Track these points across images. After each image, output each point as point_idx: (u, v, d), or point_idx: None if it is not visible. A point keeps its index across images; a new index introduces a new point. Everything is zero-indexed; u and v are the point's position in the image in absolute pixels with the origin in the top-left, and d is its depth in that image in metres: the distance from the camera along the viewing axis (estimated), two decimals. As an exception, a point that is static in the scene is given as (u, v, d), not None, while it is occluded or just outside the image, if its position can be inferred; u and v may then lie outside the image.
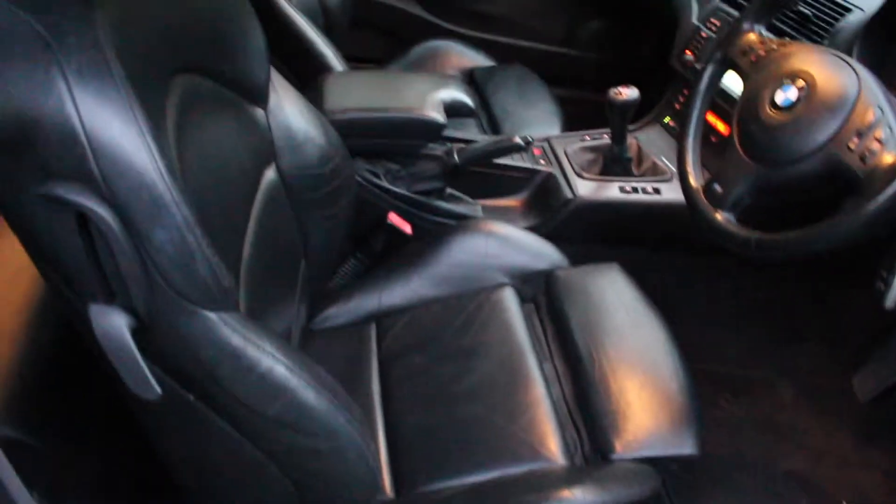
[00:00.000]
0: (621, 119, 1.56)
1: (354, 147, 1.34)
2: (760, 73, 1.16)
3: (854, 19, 1.41)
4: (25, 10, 0.64)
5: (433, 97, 1.46)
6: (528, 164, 1.63)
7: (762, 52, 1.19)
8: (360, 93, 1.46)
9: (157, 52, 0.77)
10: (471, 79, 2.10)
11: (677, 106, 1.76)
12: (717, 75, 1.29)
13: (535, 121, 1.91)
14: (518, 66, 2.13)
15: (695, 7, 1.78)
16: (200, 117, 0.85)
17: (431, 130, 1.43)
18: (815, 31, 1.45)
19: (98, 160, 0.64)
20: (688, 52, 1.70)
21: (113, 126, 0.65)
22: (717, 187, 1.17)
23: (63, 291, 0.72)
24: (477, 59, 2.17)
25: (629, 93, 1.52)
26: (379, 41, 2.38)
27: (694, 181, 1.22)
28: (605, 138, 1.72)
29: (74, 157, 0.64)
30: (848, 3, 1.42)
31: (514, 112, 1.93)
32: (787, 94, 1.08)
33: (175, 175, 0.68)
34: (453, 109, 1.49)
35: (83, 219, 0.66)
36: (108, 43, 0.67)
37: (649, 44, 2.36)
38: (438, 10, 2.38)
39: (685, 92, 1.75)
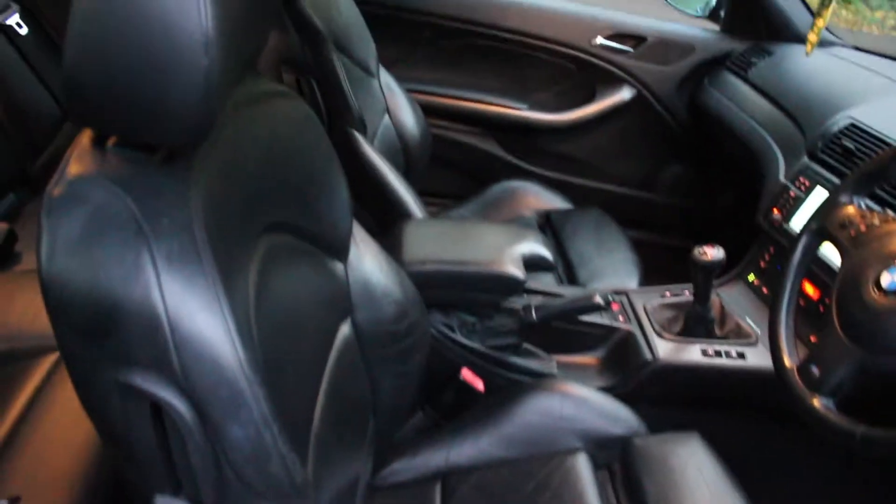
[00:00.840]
0: (705, 279, 1.50)
1: (431, 298, 1.32)
2: (862, 250, 1.09)
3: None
4: (127, 190, 0.64)
5: (512, 251, 1.43)
6: (606, 321, 1.57)
7: (863, 228, 1.13)
8: (438, 244, 1.44)
9: (247, 217, 0.77)
10: (547, 221, 2.08)
11: (763, 264, 1.70)
12: (813, 247, 1.23)
13: (613, 270, 1.86)
14: (595, 211, 2.10)
15: (782, 163, 1.74)
16: (280, 273, 0.85)
17: (510, 286, 1.40)
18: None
19: (180, 352, 0.63)
20: (775, 210, 1.65)
21: (198, 317, 0.64)
22: (815, 369, 1.09)
23: (130, 475, 0.70)
24: (554, 201, 2.15)
25: (714, 253, 1.47)
26: (456, 179, 2.40)
27: (788, 360, 1.15)
28: (687, 294, 1.66)
29: (156, 348, 0.63)
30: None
31: (591, 259, 1.89)
32: (893, 278, 1.02)
33: (257, 369, 0.66)
34: (532, 263, 1.45)
35: (158, 409, 0.64)
36: (200, 223, 0.66)
37: (731, 194, 2.33)
38: (516, 150, 2.39)
39: (771, 250, 1.68)
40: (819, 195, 1.57)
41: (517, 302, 1.47)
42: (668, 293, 1.69)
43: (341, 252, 1.05)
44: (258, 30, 0.78)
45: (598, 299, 1.41)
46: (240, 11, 0.67)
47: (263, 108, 0.90)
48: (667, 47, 2.25)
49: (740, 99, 2.07)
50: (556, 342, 1.55)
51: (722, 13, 2.27)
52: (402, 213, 1.58)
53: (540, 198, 2.16)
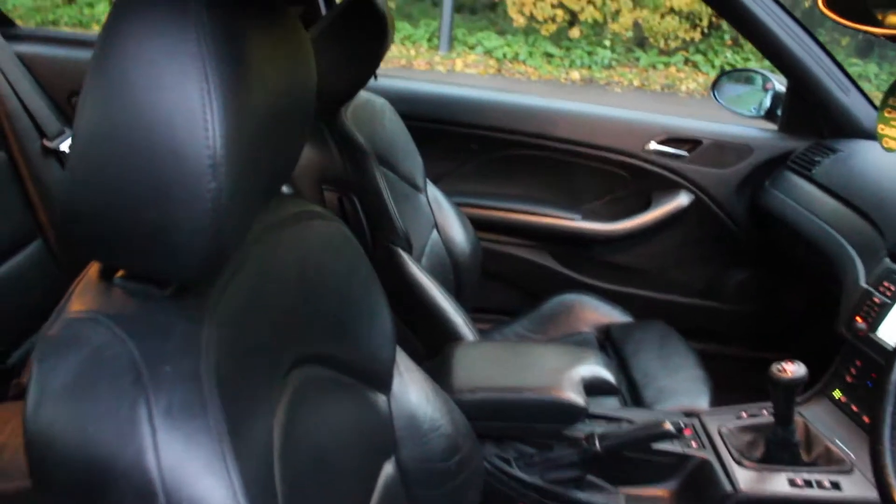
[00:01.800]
0: (787, 399, 1.36)
1: (484, 429, 1.22)
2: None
3: None
4: (130, 330, 0.56)
5: (572, 374, 1.31)
6: (677, 448, 1.42)
7: None
8: (491, 369, 1.33)
9: (273, 352, 0.70)
10: (607, 336, 1.96)
11: (850, 379, 1.54)
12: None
13: (681, 389, 1.72)
14: (658, 323, 1.98)
15: (860, 267, 1.61)
16: (313, 411, 0.78)
17: (571, 414, 1.28)
18: None
19: None
20: (858, 318, 1.51)
21: (198, 483, 0.54)
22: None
23: None
24: (613, 315, 2.03)
25: (795, 370, 1.33)
26: (510, 294, 2.31)
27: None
28: (765, 414, 1.51)
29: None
30: None
31: (657, 377, 1.76)
32: None
33: None
34: (594, 387, 1.34)
35: None
36: (210, 367, 0.58)
37: (801, 299, 2.20)
38: (571, 262, 2.30)
39: (858, 363, 1.53)
40: (910, 301, 1.43)
41: (579, 430, 1.34)
42: (744, 414, 1.54)
43: (383, 383, 0.96)
44: (284, 150, 0.71)
45: (669, 426, 1.28)
46: (259, 130, 0.60)
47: (295, 230, 0.83)
48: (723, 150, 2.17)
49: (806, 200, 1.95)
50: (622, 473, 1.41)
51: (779, 112, 2.19)
52: (451, 336, 1.48)
53: (598, 311, 2.05)
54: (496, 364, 1.36)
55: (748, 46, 8.35)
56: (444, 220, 1.89)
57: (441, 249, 1.85)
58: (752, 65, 8.13)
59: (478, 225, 2.04)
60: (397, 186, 1.71)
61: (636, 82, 8.27)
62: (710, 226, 2.22)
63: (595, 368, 1.36)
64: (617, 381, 1.41)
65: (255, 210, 0.67)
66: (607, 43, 8.62)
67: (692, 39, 8.52)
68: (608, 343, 1.94)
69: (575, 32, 8.63)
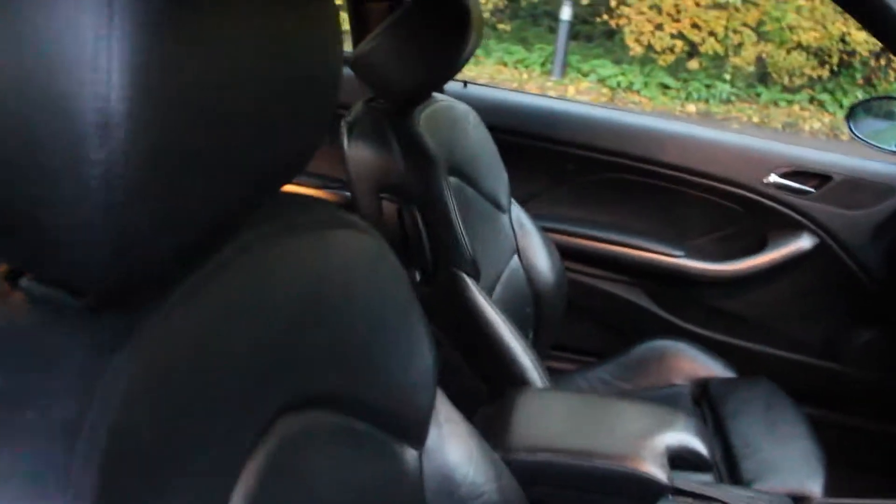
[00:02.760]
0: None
1: (541, 498, 1.00)
2: None
3: None
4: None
5: (655, 442, 1.08)
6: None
7: None
8: (557, 425, 1.11)
9: (251, 391, 0.53)
10: (703, 392, 1.70)
11: None
12: None
13: (789, 466, 1.46)
14: (765, 382, 1.71)
15: None
16: (308, 468, 0.59)
17: (648, 491, 1.04)
18: None
19: None
20: None
21: None
22: None
23: None
24: (713, 367, 1.78)
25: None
26: (597, 333, 2.09)
27: None
28: (896, 508, 1.24)
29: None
30: None
31: (760, 447, 1.50)
32: None
33: None
34: (682, 460, 1.10)
35: None
36: (102, 425, 0.39)
37: None
38: (669, 304, 2.06)
39: None
40: None
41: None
42: None
43: (415, 435, 0.77)
44: (275, 139, 0.52)
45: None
46: (220, 104, 0.42)
47: (309, 240, 0.64)
48: (858, 188, 1.90)
49: None
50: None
51: None
52: (516, 379, 1.28)
53: (696, 362, 1.79)
54: (564, 420, 1.13)
55: (882, 86, 7.94)
56: (527, 245, 1.69)
57: (521, 278, 1.65)
58: (885, 107, 7.70)
59: (566, 254, 1.84)
60: (475, 204, 1.52)
61: (755, 119, 7.95)
62: (835, 275, 1.96)
63: (685, 437, 1.13)
64: (711, 451, 1.17)
65: (218, 213, 0.48)
66: (727, 76, 8.31)
67: (819, 77, 8.12)
68: (704, 400, 1.69)
69: (694, 64, 8.37)
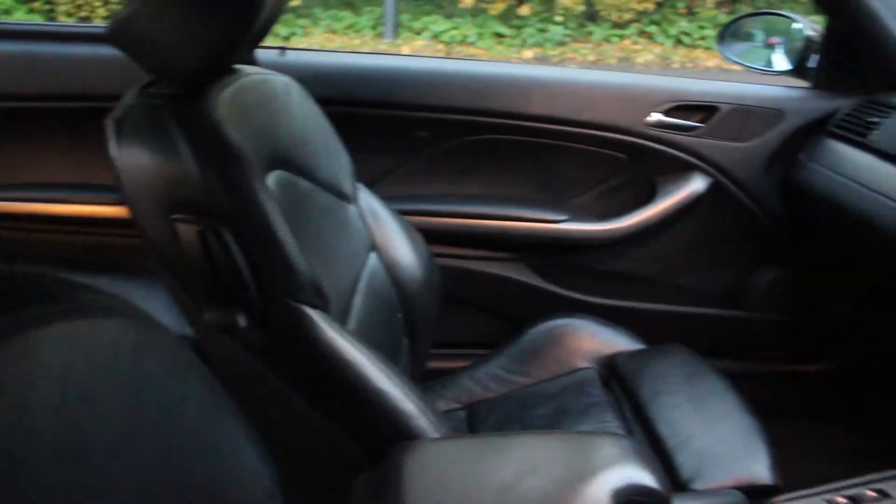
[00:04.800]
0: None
1: None
2: None
3: None
4: None
5: (599, 492, 0.81)
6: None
7: None
8: (462, 495, 0.82)
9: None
10: (612, 371, 1.50)
11: None
12: None
13: (729, 451, 1.27)
14: (678, 350, 1.53)
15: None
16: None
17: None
18: None
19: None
20: None
21: None
22: None
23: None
24: (616, 340, 1.57)
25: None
26: (482, 322, 1.87)
27: None
28: (869, 496, 1.03)
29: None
30: None
31: (692, 435, 1.30)
32: None
33: None
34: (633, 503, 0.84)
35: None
36: None
37: (850, 299, 1.82)
38: (558, 276, 1.86)
39: None
40: None
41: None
42: (839, 498, 1.05)
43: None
44: None
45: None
46: None
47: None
48: (746, 118, 1.73)
49: (864, 175, 1.52)
50: None
51: (811, 64, 1.76)
52: (400, 432, 0.98)
53: (597, 337, 1.58)
54: (472, 484, 0.84)
55: (703, 14, 8.28)
56: (384, 237, 1.40)
57: (383, 279, 1.36)
58: (709, 33, 8.00)
59: (432, 238, 1.57)
60: (313, 199, 1.21)
61: (591, 57, 8.14)
62: (732, 216, 1.80)
63: (629, 471, 0.87)
64: (660, 479, 0.91)
65: None
66: (559, 19, 8.45)
67: (645, 11, 8.38)
68: (615, 381, 1.48)
69: (524, 10, 8.49)
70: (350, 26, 8.48)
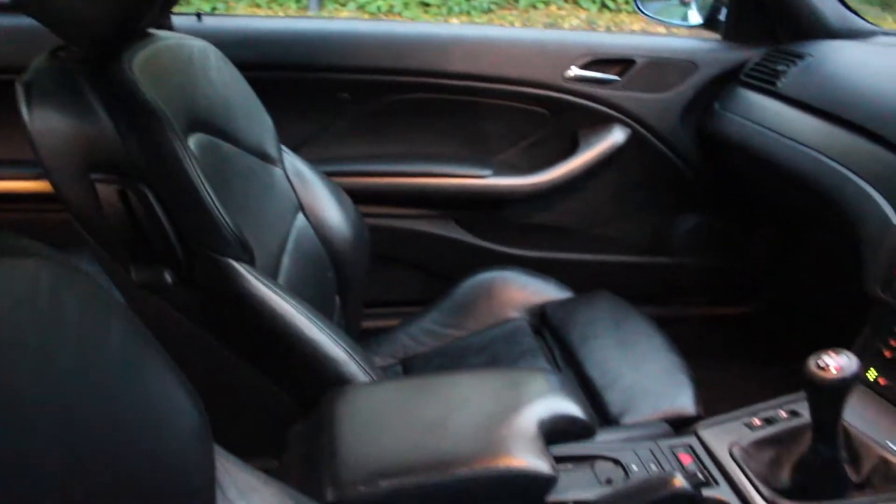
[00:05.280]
0: (833, 407, 0.93)
1: None
2: None
3: None
4: None
5: (524, 423, 0.84)
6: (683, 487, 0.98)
7: None
8: (395, 433, 0.84)
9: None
10: (543, 320, 1.53)
11: (888, 353, 1.14)
12: None
13: (656, 387, 1.30)
14: (605, 296, 1.55)
15: (882, 203, 1.20)
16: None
17: (534, 491, 0.81)
18: None
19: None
20: (900, 273, 1.10)
21: None
22: None
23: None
24: (545, 290, 1.59)
25: (844, 364, 0.90)
26: (413, 279, 1.86)
27: None
28: (784, 415, 1.09)
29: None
30: None
31: (621, 373, 1.33)
32: None
33: None
34: (560, 433, 0.88)
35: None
36: None
37: (768, 243, 1.86)
38: (486, 231, 1.86)
39: (897, 331, 1.13)
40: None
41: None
42: (755, 420, 1.11)
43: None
44: None
45: (683, 483, 0.83)
46: None
47: None
48: (661, 69, 1.76)
49: (773, 120, 1.57)
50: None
51: (721, 17, 1.80)
52: (330, 378, 0.98)
53: (527, 288, 1.60)
54: (402, 424, 0.86)
55: None
56: (311, 198, 1.39)
57: (311, 239, 1.35)
58: (631, -7, 8.09)
59: (360, 198, 1.55)
60: (237, 161, 1.20)
61: (517, 24, 7.99)
62: (652, 165, 1.83)
63: (555, 403, 0.90)
64: (586, 410, 0.95)
65: None
66: None
67: None
68: (546, 329, 1.51)
69: None
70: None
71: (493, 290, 1.58)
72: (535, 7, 8.31)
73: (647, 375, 1.33)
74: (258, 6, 8.18)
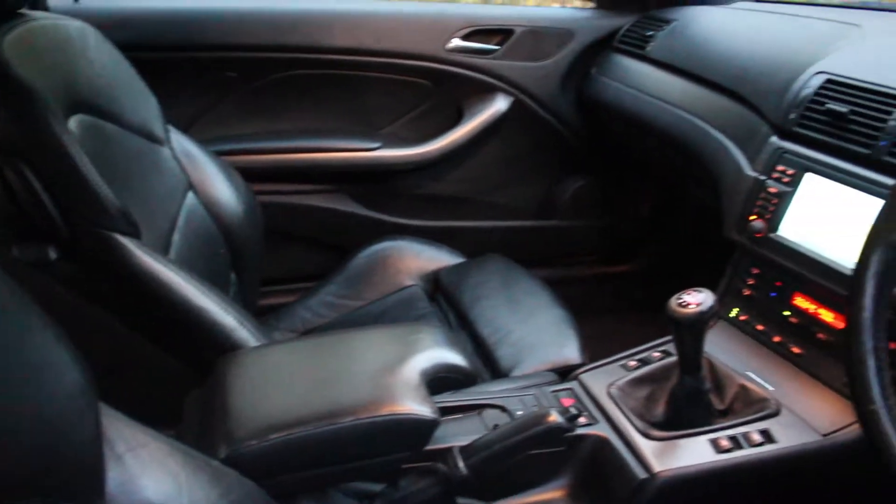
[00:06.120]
0: (695, 341, 1.01)
1: (295, 488, 0.79)
2: None
3: None
4: None
5: (406, 373, 0.89)
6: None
7: None
8: (284, 390, 0.87)
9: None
10: (437, 285, 1.57)
11: (747, 292, 1.23)
12: (889, 273, 0.76)
13: (543, 340, 1.36)
14: (495, 258, 1.60)
15: (737, 153, 1.29)
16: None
17: (416, 434, 0.86)
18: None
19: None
20: (754, 217, 1.19)
21: None
22: None
23: None
24: (439, 257, 1.64)
25: (702, 300, 0.98)
26: (309, 254, 1.87)
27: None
28: (657, 356, 1.18)
29: None
30: None
31: (511, 329, 1.39)
32: None
33: None
34: (444, 381, 0.93)
35: None
36: None
37: (651, 202, 1.93)
38: (378, 203, 1.89)
39: (755, 272, 1.22)
40: (816, 185, 1.13)
41: (431, 447, 0.93)
42: (631, 362, 1.19)
43: (83, 489, 0.54)
44: None
45: (557, 417, 0.90)
46: None
47: None
48: (539, 38, 1.82)
49: (644, 83, 1.66)
50: (498, 482, 1.02)
51: None
52: (221, 345, 1.01)
53: (420, 256, 1.64)
54: (291, 381, 0.89)
55: None
56: (200, 177, 1.40)
57: (203, 217, 1.36)
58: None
59: (251, 176, 1.56)
60: (122, 142, 1.20)
61: None
62: (535, 131, 1.89)
63: (436, 353, 0.95)
64: (469, 358, 1.00)
65: None
66: None
67: None
68: (440, 293, 1.56)
69: None
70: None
71: (387, 260, 1.61)
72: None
73: (535, 330, 1.38)
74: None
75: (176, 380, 1.06)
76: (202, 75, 1.72)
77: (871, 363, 0.75)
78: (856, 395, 0.75)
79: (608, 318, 1.69)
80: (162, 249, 1.18)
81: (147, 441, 0.60)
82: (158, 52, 1.65)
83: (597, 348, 1.35)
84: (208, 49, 1.69)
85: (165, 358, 1.06)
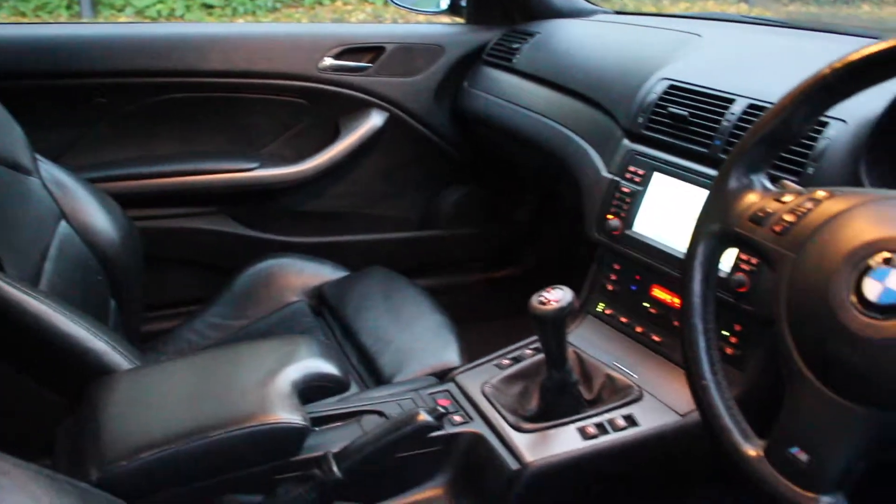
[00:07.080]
0: (557, 335, 1.07)
1: (169, 499, 0.80)
2: (807, 252, 0.71)
3: (837, 135, 1.01)
4: None
5: (278, 384, 0.91)
6: (438, 430, 1.09)
7: (790, 217, 0.74)
8: (155, 409, 0.88)
9: None
10: (321, 300, 1.59)
11: (610, 287, 1.30)
12: (713, 260, 0.83)
13: (423, 347, 1.40)
14: (378, 270, 1.64)
15: (595, 156, 1.37)
16: None
17: (288, 441, 0.88)
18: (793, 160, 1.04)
19: None
20: (610, 216, 1.26)
21: None
22: (800, 455, 0.68)
23: None
24: (322, 272, 1.65)
25: (560, 296, 1.04)
26: (193, 277, 1.86)
27: (747, 446, 0.73)
28: (529, 353, 1.24)
29: None
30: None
31: (392, 338, 1.42)
32: (886, 283, 0.63)
33: None
34: (316, 389, 0.95)
35: None
36: None
37: (529, 207, 1.98)
38: (259, 222, 1.89)
39: (616, 267, 1.29)
40: (663, 183, 1.20)
41: (305, 455, 0.95)
42: (504, 361, 1.24)
43: None
44: None
45: (426, 416, 0.93)
46: None
47: None
48: (411, 54, 1.86)
49: (511, 93, 1.73)
50: (377, 485, 1.05)
51: (463, 3, 1.94)
52: (94, 371, 1.00)
53: (304, 273, 1.66)
54: (164, 400, 0.90)
55: None
56: (73, 205, 1.37)
57: (77, 244, 1.34)
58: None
59: (128, 201, 1.54)
60: None
61: (304, 20, 7.94)
62: (412, 145, 1.93)
63: (308, 364, 0.97)
64: (341, 366, 1.03)
65: None
66: None
67: None
68: (324, 307, 1.58)
69: None
70: (41, 6, 7.63)
71: (271, 278, 1.61)
72: (321, 3, 8.27)
73: (416, 337, 1.42)
74: (23, 14, 7.61)
75: (49, 410, 1.05)
76: (71, 103, 1.69)
77: (701, 343, 0.81)
78: (689, 372, 0.82)
79: (491, 321, 1.72)
80: (32, 279, 1.16)
81: (8, 469, 0.60)
82: (24, 79, 1.62)
83: (478, 351, 1.36)
84: (76, 76, 1.66)
85: (36, 388, 1.04)
